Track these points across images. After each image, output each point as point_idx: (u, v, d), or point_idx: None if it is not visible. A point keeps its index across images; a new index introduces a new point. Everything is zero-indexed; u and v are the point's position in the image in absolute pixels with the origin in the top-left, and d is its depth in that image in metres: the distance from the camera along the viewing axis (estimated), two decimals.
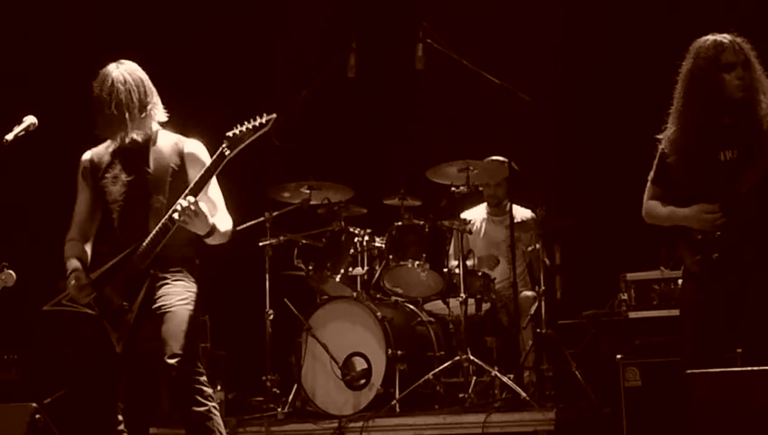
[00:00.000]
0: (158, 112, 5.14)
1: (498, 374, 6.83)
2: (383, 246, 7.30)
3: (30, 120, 5.30)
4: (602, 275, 7.66)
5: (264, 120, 4.92)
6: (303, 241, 7.54)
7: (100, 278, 5.08)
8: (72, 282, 5.03)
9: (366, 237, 7.38)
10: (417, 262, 7.13)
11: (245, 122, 4.95)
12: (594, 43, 8.58)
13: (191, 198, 4.81)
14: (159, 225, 4.92)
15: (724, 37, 5.00)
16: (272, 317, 7.43)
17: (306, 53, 8.97)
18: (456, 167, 7.24)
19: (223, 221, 5.07)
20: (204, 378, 4.99)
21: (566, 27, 8.73)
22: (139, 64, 5.18)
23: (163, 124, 5.20)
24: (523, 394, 6.53)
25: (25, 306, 7.91)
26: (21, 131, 5.25)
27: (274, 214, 7.59)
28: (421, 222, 7.25)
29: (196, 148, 5.17)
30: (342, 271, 7.33)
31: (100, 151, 5.22)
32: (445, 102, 9.10)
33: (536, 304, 7.45)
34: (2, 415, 5.11)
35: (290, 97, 7.46)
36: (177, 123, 5.34)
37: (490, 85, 6.97)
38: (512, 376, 6.84)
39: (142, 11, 9.08)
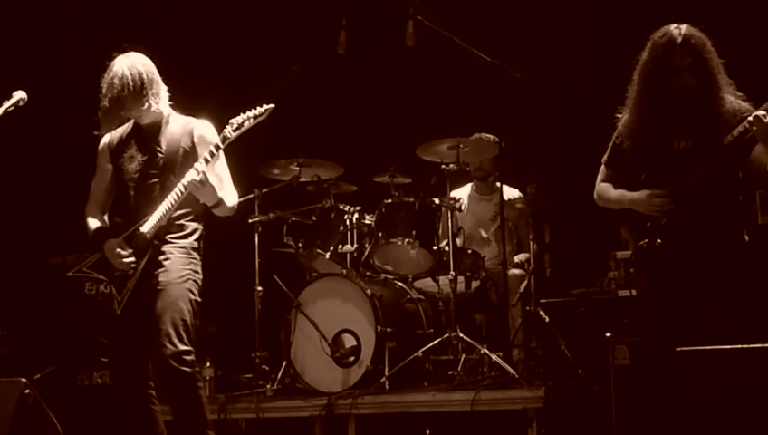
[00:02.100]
0: (160, 102, 5.47)
1: (487, 352, 6.84)
2: (373, 223, 7.30)
3: (19, 94, 5.30)
4: (592, 254, 7.68)
5: (263, 110, 5.36)
6: (293, 218, 7.53)
7: None
8: (117, 253, 5.31)
9: (356, 215, 7.37)
10: (407, 239, 7.13)
11: (247, 111, 5.35)
12: (584, 20, 8.57)
13: (200, 167, 5.19)
14: (167, 199, 5.27)
15: (679, 34, 4.96)
16: (261, 294, 7.43)
17: (296, 29, 8.93)
18: (446, 144, 7.22)
19: (229, 195, 5.48)
20: (192, 357, 5.27)
21: (556, 3, 8.71)
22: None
23: (173, 107, 5.57)
24: (512, 372, 6.54)
25: (14, 282, 7.93)
26: (10, 106, 5.25)
27: (264, 191, 7.58)
28: (411, 199, 7.25)
29: (205, 129, 5.53)
30: (332, 248, 7.32)
31: (117, 133, 5.57)
32: (435, 79, 9.07)
33: (525, 282, 7.46)
34: None
35: (280, 73, 7.42)
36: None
37: (480, 62, 6.95)
38: (501, 354, 6.85)
39: None
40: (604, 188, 5.28)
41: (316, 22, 8.30)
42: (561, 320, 7.47)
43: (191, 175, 5.19)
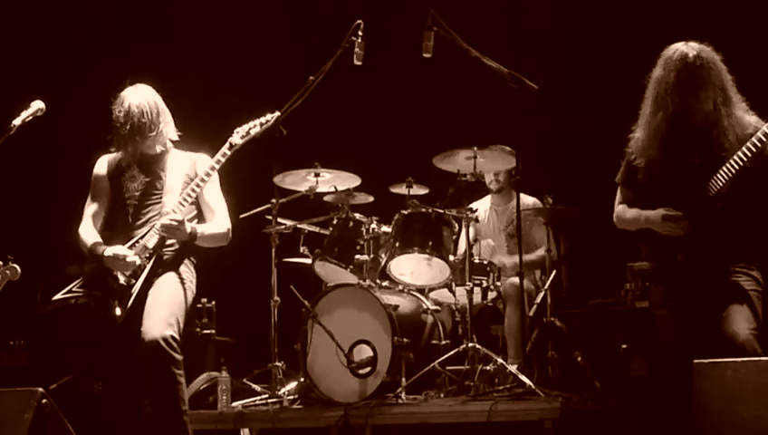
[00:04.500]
0: (170, 131, 5.71)
1: (504, 363, 6.82)
2: (389, 233, 7.29)
3: (37, 104, 5.34)
4: (609, 265, 7.66)
5: (269, 117, 5.60)
6: (310, 228, 7.54)
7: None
8: (121, 256, 5.45)
9: (372, 225, 7.38)
10: (424, 250, 7.13)
11: (253, 119, 5.57)
12: (602, 33, 8.56)
13: (173, 216, 5.43)
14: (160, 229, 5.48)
15: (689, 51, 4.99)
16: (277, 304, 7.43)
17: (314, 39, 8.94)
18: (463, 155, 7.22)
19: (215, 226, 5.69)
20: (177, 346, 5.31)
21: (572, 13, 8.72)
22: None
23: (176, 142, 5.77)
24: (529, 383, 6.53)
25: (32, 292, 7.95)
26: (28, 116, 5.29)
27: (281, 201, 7.59)
28: (428, 210, 7.25)
29: (207, 161, 5.70)
30: (348, 259, 7.33)
31: (116, 156, 5.74)
32: (452, 90, 9.07)
33: (542, 294, 7.44)
34: (9, 400, 5.12)
35: (297, 84, 7.43)
36: (188, 111, 5.90)
37: (498, 73, 6.95)
38: (517, 365, 6.84)
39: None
40: (621, 211, 5.31)
41: (333, 32, 8.30)
42: (578, 331, 7.45)
43: (165, 220, 5.41)
